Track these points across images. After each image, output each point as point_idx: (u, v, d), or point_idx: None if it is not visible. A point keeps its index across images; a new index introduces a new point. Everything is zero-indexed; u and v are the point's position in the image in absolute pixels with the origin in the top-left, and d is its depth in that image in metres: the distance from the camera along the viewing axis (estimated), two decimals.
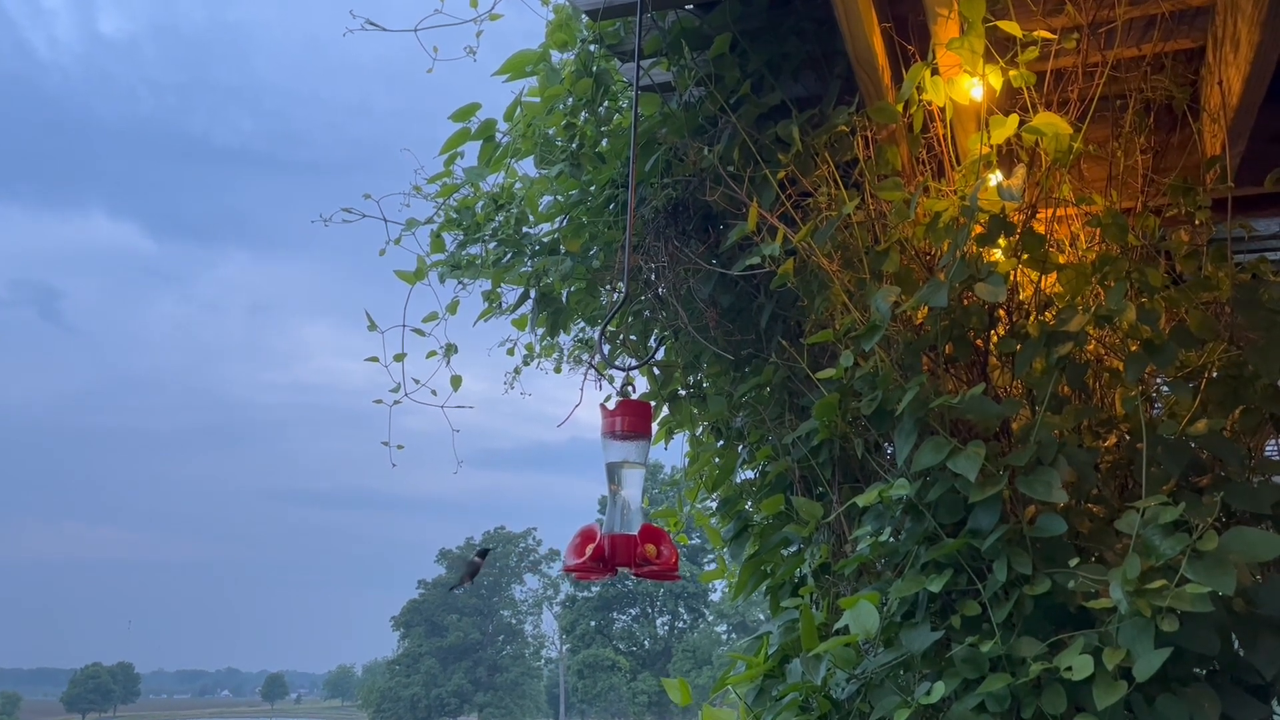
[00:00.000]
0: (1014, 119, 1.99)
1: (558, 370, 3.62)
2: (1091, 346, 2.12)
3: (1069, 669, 1.65)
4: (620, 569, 1.66)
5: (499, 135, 3.18)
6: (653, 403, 3.21)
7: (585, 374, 3.17)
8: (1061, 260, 2.14)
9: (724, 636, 50.89)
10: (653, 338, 3.20)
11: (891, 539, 2.10)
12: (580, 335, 3.52)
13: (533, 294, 3.33)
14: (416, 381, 3.25)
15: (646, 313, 3.15)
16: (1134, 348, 1.95)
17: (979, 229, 2.01)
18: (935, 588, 1.89)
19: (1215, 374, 1.97)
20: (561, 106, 3.05)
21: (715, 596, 50.23)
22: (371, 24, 2.73)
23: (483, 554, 4.77)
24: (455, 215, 3.29)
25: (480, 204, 3.28)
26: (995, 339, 2.12)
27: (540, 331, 3.40)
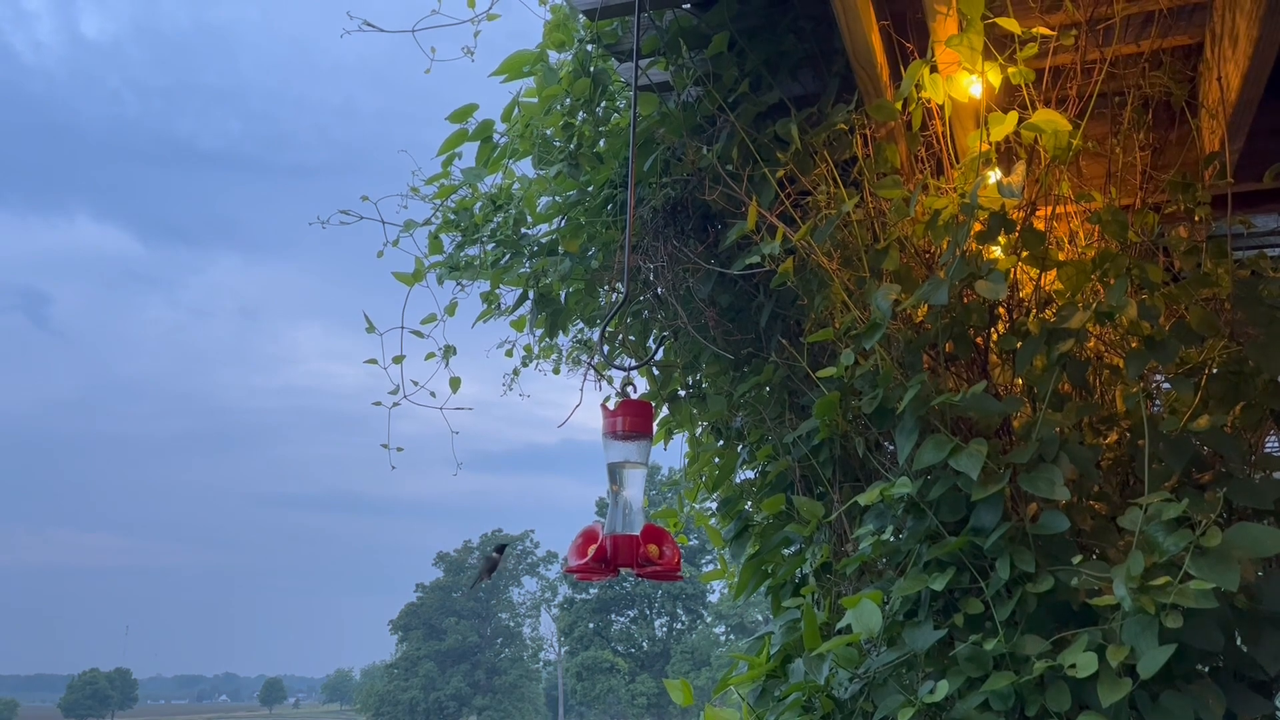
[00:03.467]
0: (1013, 116, 1.98)
1: (556, 371, 3.62)
2: (1092, 343, 2.12)
3: (1073, 666, 1.65)
4: (622, 569, 1.65)
5: (497, 136, 3.17)
6: (652, 403, 3.20)
7: (584, 375, 3.16)
8: (1061, 257, 2.14)
9: (722, 638, 50.85)
10: (652, 338, 3.19)
11: (893, 538, 2.09)
12: (579, 336, 3.51)
13: (531, 295, 3.32)
14: (415, 383, 3.24)
15: (645, 313, 3.15)
16: (1134, 344, 1.95)
17: (979, 226, 2.01)
18: (938, 586, 1.88)
19: (1216, 370, 1.97)
20: (559, 107, 3.04)
21: (714, 598, 50.24)
22: (369, 25, 2.73)
23: (500, 549, 4.87)
24: (453, 216, 3.29)
25: (478, 205, 3.28)
26: (996, 336, 2.12)
27: (539, 333, 3.39)
